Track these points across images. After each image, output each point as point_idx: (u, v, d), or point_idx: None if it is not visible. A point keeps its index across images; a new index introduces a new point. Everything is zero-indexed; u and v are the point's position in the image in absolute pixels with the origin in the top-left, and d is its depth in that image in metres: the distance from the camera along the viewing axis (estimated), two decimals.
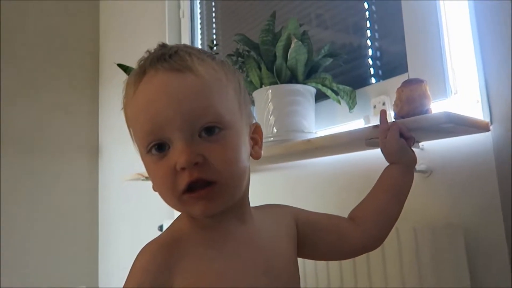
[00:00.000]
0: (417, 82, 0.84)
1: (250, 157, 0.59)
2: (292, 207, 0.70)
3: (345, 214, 0.73)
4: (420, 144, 0.93)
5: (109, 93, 2.39)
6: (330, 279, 0.97)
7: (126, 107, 0.57)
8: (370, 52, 1.20)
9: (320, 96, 1.20)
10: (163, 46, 0.57)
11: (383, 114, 0.77)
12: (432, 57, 0.96)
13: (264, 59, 1.19)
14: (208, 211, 0.53)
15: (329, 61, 1.17)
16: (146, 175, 0.67)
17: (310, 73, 1.17)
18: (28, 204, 2.18)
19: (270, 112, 1.15)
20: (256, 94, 1.20)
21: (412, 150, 0.76)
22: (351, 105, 1.12)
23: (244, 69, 1.24)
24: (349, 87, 1.13)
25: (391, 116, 0.89)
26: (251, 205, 0.62)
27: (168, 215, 1.63)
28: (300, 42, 1.10)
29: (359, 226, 0.70)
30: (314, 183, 1.21)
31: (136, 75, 0.54)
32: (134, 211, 2.07)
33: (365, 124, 1.05)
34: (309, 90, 1.16)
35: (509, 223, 0.82)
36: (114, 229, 2.27)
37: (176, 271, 0.51)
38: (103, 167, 2.42)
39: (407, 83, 0.85)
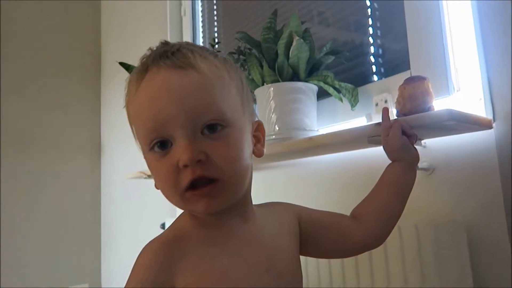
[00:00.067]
0: (420, 79, 0.83)
1: (252, 155, 0.59)
2: (294, 205, 0.69)
3: (347, 212, 0.73)
4: (423, 141, 0.93)
5: (110, 92, 2.39)
6: (332, 277, 0.97)
7: (128, 105, 0.56)
8: (372, 49, 1.20)
9: (322, 94, 1.19)
10: (165, 43, 0.57)
11: (385, 111, 0.77)
12: (434, 54, 0.95)
13: (266, 57, 1.19)
14: (210, 209, 0.53)
15: (331, 58, 1.17)
16: (149, 173, 0.67)
17: (312, 71, 1.17)
18: (30, 203, 2.18)
19: (272, 110, 1.15)
20: (258, 92, 1.20)
21: (415, 147, 0.76)
22: (353, 102, 1.12)
23: (246, 67, 1.24)
24: (351, 84, 1.13)
25: (393, 113, 0.89)
26: (253, 203, 0.62)
27: (170, 213, 1.63)
28: (302, 40, 1.10)
29: (361, 224, 0.69)
30: (316, 181, 1.21)
31: (138, 72, 0.54)
32: (136, 209, 2.07)
33: (367, 121, 1.05)
34: (311, 88, 1.16)
35: (511, 221, 0.82)
36: (116, 227, 2.27)
37: (178, 269, 0.51)
38: (105, 166, 2.43)
39: (409, 80, 0.85)
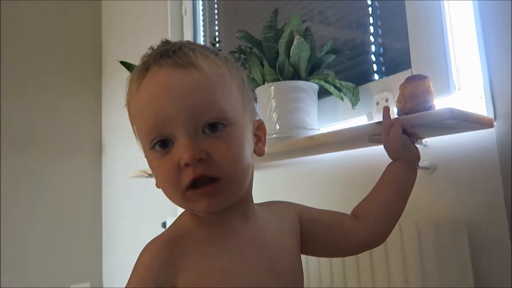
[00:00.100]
0: (421, 78, 0.83)
1: (254, 154, 0.59)
2: (295, 204, 0.69)
3: (348, 210, 0.73)
4: (424, 140, 0.93)
5: (111, 91, 2.39)
6: (333, 277, 0.97)
7: (129, 104, 0.56)
8: (373, 48, 1.20)
9: (322, 93, 1.19)
10: (166, 42, 0.57)
11: (386, 110, 0.77)
12: (435, 53, 0.95)
13: (267, 55, 1.19)
14: (211, 208, 0.53)
15: (331, 57, 1.17)
16: (150, 172, 0.67)
17: (312, 70, 1.17)
18: (30, 203, 2.18)
19: (273, 109, 1.15)
20: (258, 91, 1.20)
21: (415, 146, 0.76)
22: (354, 101, 1.12)
23: (247, 66, 1.24)
24: (352, 83, 1.13)
25: (394, 112, 0.89)
26: (254, 202, 0.62)
27: (171, 212, 1.63)
28: (302, 39, 1.10)
29: (362, 223, 0.69)
30: (317, 180, 1.21)
31: (140, 71, 0.54)
32: (138, 208, 2.07)
33: (368, 120, 1.04)
34: (312, 86, 1.16)
35: None
36: (117, 226, 2.27)
37: (179, 268, 0.51)
38: (106, 165, 2.43)
39: (410, 79, 0.85)
